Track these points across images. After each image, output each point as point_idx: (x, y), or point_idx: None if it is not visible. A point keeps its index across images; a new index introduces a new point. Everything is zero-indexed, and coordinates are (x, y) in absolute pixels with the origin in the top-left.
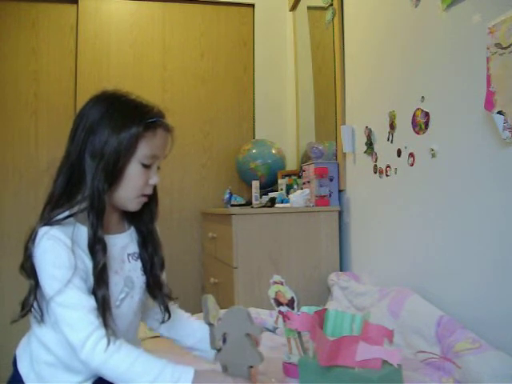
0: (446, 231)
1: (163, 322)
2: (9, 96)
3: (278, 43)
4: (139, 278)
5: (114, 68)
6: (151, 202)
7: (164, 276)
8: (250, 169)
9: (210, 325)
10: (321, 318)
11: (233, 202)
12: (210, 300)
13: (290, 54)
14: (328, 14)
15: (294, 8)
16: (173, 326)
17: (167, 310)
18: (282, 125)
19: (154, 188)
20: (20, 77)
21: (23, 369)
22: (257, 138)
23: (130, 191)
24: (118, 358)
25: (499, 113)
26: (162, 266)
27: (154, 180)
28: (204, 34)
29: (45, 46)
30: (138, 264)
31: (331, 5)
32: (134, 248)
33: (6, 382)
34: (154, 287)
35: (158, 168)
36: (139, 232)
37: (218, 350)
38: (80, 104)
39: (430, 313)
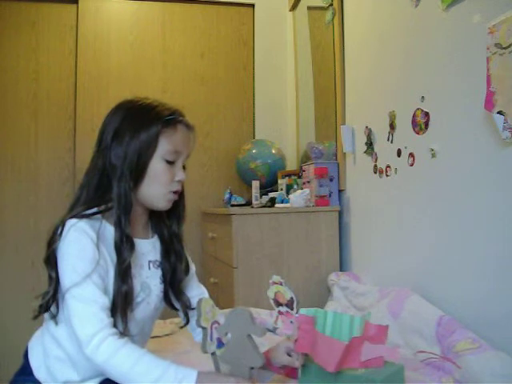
0: (446, 231)
1: (183, 326)
2: (9, 96)
3: (278, 43)
4: (157, 286)
5: (114, 68)
6: (178, 205)
7: (194, 279)
8: (250, 169)
9: (203, 328)
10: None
11: (233, 202)
12: (205, 303)
13: (289, 54)
14: (328, 14)
15: (294, 8)
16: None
17: (186, 316)
18: (282, 125)
19: (182, 191)
20: (20, 77)
21: (34, 361)
22: (257, 138)
23: (156, 188)
24: (122, 357)
25: (499, 113)
26: (187, 270)
27: (179, 176)
28: (204, 33)
29: (45, 46)
30: (159, 272)
31: (331, 5)
32: (155, 256)
33: (14, 373)
34: (173, 297)
35: (184, 168)
36: (162, 241)
37: (212, 354)
38: (80, 104)
39: (430, 313)
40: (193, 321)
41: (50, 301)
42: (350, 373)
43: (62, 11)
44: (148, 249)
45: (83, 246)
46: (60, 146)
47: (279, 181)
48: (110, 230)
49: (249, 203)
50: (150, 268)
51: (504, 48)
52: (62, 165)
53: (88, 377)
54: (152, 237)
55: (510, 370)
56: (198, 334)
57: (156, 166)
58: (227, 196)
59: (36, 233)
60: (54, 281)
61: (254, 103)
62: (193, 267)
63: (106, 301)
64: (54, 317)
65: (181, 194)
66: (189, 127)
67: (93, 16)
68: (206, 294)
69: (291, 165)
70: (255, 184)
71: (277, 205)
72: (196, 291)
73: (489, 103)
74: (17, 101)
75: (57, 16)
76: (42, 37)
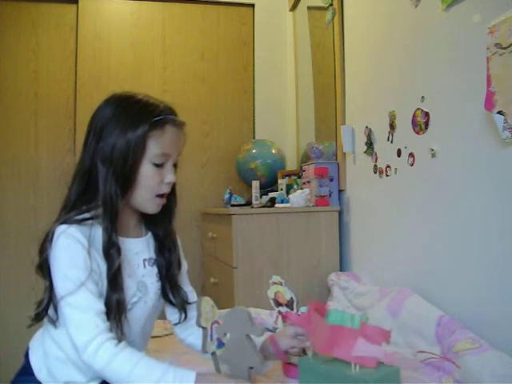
0: (445, 231)
1: (179, 322)
2: (9, 96)
3: (278, 43)
4: (154, 284)
5: (114, 68)
6: (170, 201)
7: (185, 277)
8: (250, 169)
9: (203, 328)
10: (321, 311)
11: (233, 202)
12: (205, 302)
13: (289, 54)
14: (328, 14)
15: (294, 8)
16: (188, 327)
17: (184, 311)
18: (282, 125)
19: (173, 187)
20: (20, 77)
21: (35, 362)
22: (257, 138)
23: (145, 193)
24: (120, 361)
25: (499, 113)
26: (179, 266)
27: (169, 178)
28: (204, 34)
29: (45, 46)
30: (154, 270)
31: (331, 5)
32: (150, 254)
33: (15, 373)
34: (170, 292)
35: (175, 166)
36: (156, 237)
37: (212, 354)
38: (80, 104)
39: (430, 313)
40: (186, 318)
41: (45, 309)
42: (344, 372)
43: (62, 11)
44: (141, 248)
45: (74, 253)
46: (60, 145)
47: (279, 181)
48: (100, 233)
49: (249, 203)
50: (145, 266)
51: (504, 48)
52: (62, 165)
53: (93, 377)
54: (145, 234)
55: (510, 370)
56: (183, 331)
57: (144, 170)
58: (227, 196)
59: (36, 233)
60: (48, 289)
61: (253, 103)
62: (185, 265)
63: (101, 306)
64: (53, 321)
65: (172, 190)
66: (178, 125)
67: (93, 16)
68: (195, 294)
69: (291, 165)
70: (255, 184)
71: (277, 205)
72: (186, 289)
73: (489, 103)
74: (17, 101)
75: (57, 16)
76: (42, 37)
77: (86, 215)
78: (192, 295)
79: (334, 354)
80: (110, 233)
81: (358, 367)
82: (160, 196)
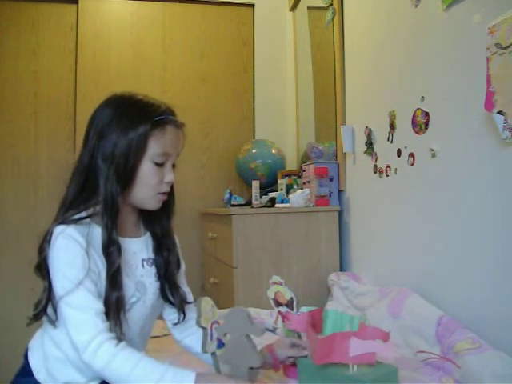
0: (445, 231)
1: (177, 323)
2: (9, 96)
3: (278, 43)
4: (152, 284)
5: (114, 68)
6: (168, 200)
7: (182, 277)
8: (250, 169)
9: (203, 328)
10: (318, 317)
11: (233, 202)
12: (205, 302)
13: (289, 54)
14: (328, 14)
15: (294, 8)
16: (186, 328)
17: (183, 311)
18: (282, 125)
19: (171, 186)
20: (20, 77)
21: (35, 362)
22: (257, 138)
23: (145, 191)
24: (120, 361)
25: (499, 113)
26: (178, 265)
27: (168, 178)
28: (204, 33)
29: (45, 45)
30: (153, 270)
31: (331, 5)
32: (148, 254)
33: (15, 374)
34: (169, 292)
35: (174, 166)
36: (154, 237)
37: (212, 354)
38: (80, 104)
39: (430, 313)
40: (185, 318)
41: (44, 310)
42: (343, 373)
43: (62, 11)
44: (140, 247)
45: (73, 253)
46: (60, 146)
47: (279, 181)
48: (99, 232)
49: (249, 203)
50: (143, 266)
51: (504, 48)
52: (62, 165)
53: (92, 377)
54: (144, 234)
55: (510, 370)
56: (180, 332)
57: (144, 168)
58: (227, 196)
59: (36, 233)
60: (47, 289)
61: (254, 103)
62: (183, 265)
63: (100, 306)
64: (52, 322)
65: (170, 189)
66: (178, 126)
67: (93, 16)
68: (192, 296)
69: (291, 165)
70: (255, 184)
71: (277, 205)
72: (184, 289)
73: (489, 103)
74: (17, 101)
75: (57, 16)
76: (42, 37)
77: (83, 214)
78: (189, 296)
79: (333, 360)
80: (110, 231)
81: (355, 367)
82: (161, 194)
